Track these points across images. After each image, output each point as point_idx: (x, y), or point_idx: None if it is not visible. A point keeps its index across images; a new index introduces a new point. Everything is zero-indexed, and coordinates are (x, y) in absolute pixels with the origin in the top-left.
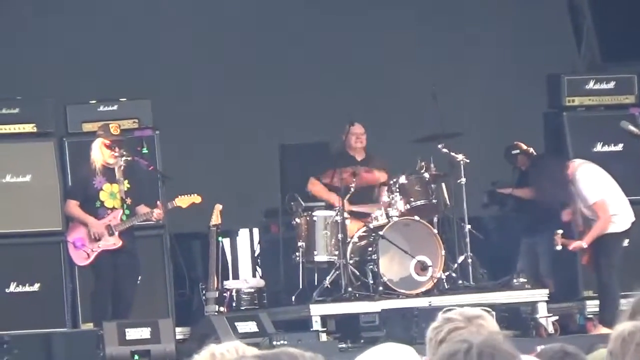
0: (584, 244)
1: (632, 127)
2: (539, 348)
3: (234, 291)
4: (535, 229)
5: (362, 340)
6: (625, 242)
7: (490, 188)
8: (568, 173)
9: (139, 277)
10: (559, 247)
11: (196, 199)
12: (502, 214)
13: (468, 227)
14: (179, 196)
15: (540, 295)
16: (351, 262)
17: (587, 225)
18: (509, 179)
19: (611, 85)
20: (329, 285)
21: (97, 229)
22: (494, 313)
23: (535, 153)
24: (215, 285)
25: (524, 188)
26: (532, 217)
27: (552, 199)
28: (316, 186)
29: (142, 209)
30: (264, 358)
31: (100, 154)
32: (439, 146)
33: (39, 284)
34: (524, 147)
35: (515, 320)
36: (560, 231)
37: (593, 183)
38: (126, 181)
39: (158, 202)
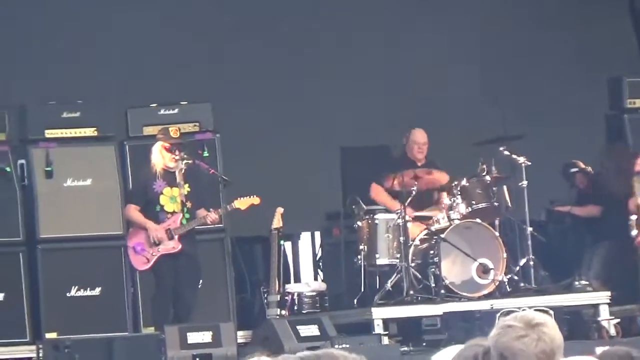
0: None
1: None
2: (598, 350)
3: (295, 294)
4: (597, 239)
5: (424, 344)
6: None
7: (549, 206)
8: (638, 164)
9: (200, 281)
10: (634, 232)
11: (255, 200)
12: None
13: (530, 229)
14: (238, 198)
15: (602, 297)
16: (413, 265)
17: None
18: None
19: None
20: (390, 289)
21: (157, 233)
22: (552, 312)
23: (593, 171)
24: (277, 289)
25: (582, 206)
26: (590, 235)
27: (617, 188)
28: (379, 194)
29: (202, 212)
30: (305, 358)
31: (160, 157)
32: (501, 149)
33: (100, 288)
34: (582, 165)
35: (577, 322)
36: (634, 217)
37: None
38: (187, 185)
39: (211, 209)
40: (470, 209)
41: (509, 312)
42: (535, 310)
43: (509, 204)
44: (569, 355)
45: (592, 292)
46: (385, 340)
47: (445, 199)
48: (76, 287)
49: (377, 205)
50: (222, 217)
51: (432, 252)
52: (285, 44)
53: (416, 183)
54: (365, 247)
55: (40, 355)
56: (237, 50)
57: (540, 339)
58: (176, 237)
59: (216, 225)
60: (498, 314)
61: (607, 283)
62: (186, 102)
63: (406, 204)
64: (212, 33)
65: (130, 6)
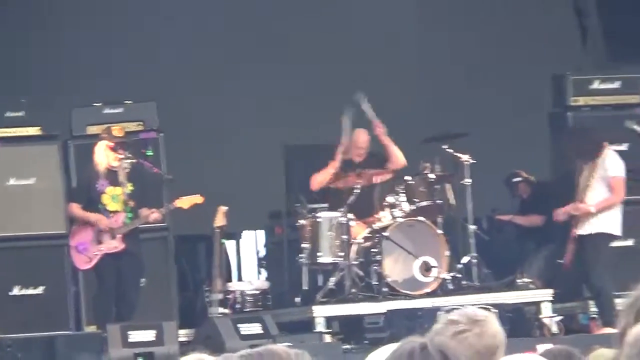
0: (592, 208)
1: (637, 127)
2: (540, 348)
3: (238, 293)
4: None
5: (366, 342)
6: (630, 242)
7: (490, 214)
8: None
9: (143, 280)
10: (561, 217)
11: (198, 199)
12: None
13: (472, 227)
14: (181, 197)
15: (544, 295)
16: (355, 263)
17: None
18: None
19: (616, 85)
20: (333, 287)
21: (104, 224)
22: (496, 311)
23: (535, 181)
24: (219, 287)
25: (524, 215)
26: (533, 243)
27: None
28: (317, 177)
29: (145, 211)
30: (248, 357)
31: (104, 156)
32: (444, 147)
33: (42, 287)
34: (525, 174)
35: (520, 320)
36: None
37: (620, 163)
38: (130, 184)
39: (151, 209)
40: (413, 207)
41: (450, 311)
42: (478, 308)
43: (452, 202)
44: (511, 353)
45: (534, 290)
46: (328, 339)
47: (388, 197)
48: (19, 286)
49: (321, 199)
50: (165, 216)
51: (374, 250)
52: (228, 44)
53: (359, 182)
54: (308, 245)
55: None
56: (181, 50)
57: (482, 335)
58: (119, 236)
59: (159, 224)
60: (439, 313)
61: (549, 281)
62: (130, 101)
63: (348, 203)
64: (156, 32)
65: (75, 4)
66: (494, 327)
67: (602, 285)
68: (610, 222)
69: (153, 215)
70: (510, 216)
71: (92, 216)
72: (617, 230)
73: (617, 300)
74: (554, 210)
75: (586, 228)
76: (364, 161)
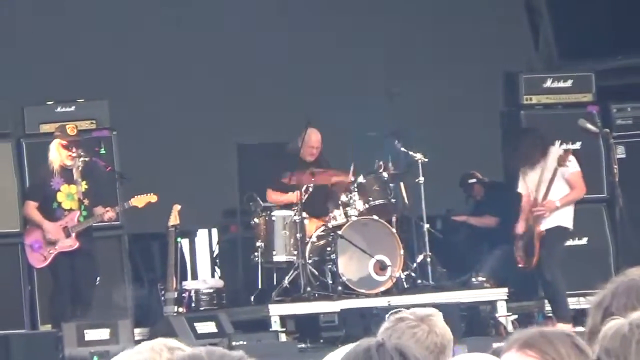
0: (557, 202)
1: (589, 125)
2: (494, 345)
3: (192, 291)
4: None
5: (321, 340)
6: (583, 241)
7: (444, 214)
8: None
9: (98, 278)
10: (522, 229)
11: (152, 197)
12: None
13: (426, 226)
14: (135, 196)
15: (499, 294)
16: (310, 262)
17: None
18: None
19: (569, 83)
20: (287, 285)
21: (53, 234)
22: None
23: (489, 181)
24: (174, 286)
25: (478, 217)
26: (486, 244)
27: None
28: (274, 196)
29: (100, 209)
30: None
31: (57, 155)
32: (397, 144)
33: None
34: (480, 176)
35: (475, 319)
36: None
37: (575, 160)
38: (84, 182)
39: (106, 208)
40: (367, 206)
41: (397, 311)
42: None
43: (406, 200)
44: (467, 351)
45: (489, 289)
46: (283, 337)
47: (342, 196)
48: None
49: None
50: (120, 214)
51: (329, 248)
52: (181, 42)
53: (313, 179)
54: (262, 244)
55: None
56: (134, 48)
57: (431, 331)
58: (73, 234)
59: (113, 223)
60: (387, 315)
61: (504, 280)
62: (83, 100)
63: (302, 201)
64: (109, 31)
65: (25, 2)
66: (442, 324)
67: (553, 280)
68: (564, 216)
69: (108, 213)
70: (464, 217)
71: (44, 224)
72: (570, 223)
73: (571, 299)
74: (513, 226)
75: (546, 223)
76: (316, 160)
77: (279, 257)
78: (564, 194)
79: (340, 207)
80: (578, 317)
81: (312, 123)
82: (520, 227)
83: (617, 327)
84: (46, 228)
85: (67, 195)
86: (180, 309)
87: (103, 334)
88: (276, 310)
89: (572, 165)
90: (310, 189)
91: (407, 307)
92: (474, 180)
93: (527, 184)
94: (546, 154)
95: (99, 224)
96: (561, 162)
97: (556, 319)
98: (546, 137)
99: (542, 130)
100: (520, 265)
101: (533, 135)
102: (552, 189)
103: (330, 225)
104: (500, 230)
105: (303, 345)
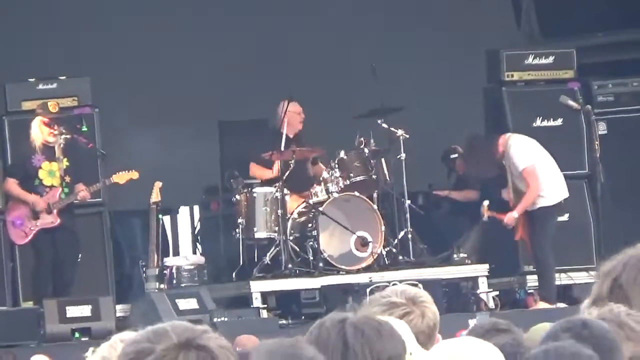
0: (515, 213)
1: (571, 102)
2: (471, 322)
3: (174, 268)
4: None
5: (302, 317)
6: (565, 217)
7: (426, 190)
8: (500, 145)
9: (79, 255)
10: (485, 219)
11: (133, 174)
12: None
13: (408, 202)
14: (117, 173)
15: (480, 270)
16: (291, 238)
17: (519, 201)
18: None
19: (550, 60)
20: (269, 262)
21: (40, 205)
22: (420, 286)
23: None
24: (156, 263)
25: (460, 191)
26: (468, 218)
27: (484, 174)
28: (256, 170)
29: (81, 187)
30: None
31: (39, 132)
32: (379, 121)
33: None
34: (462, 151)
35: (456, 295)
36: (486, 202)
37: (523, 150)
38: (65, 159)
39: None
40: (348, 182)
41: (377, 289)
42: (407, 284)
43: (387, 177)
44: (448, 328)
45: (470, 265)
46: (264, 314)
47: (324, 172)
48: None
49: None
50: (101, 191)
51: (310, 225)
52: (163, 18)
53: (293, 156)
54: (244, 220)
55: None
56: (116, 25)
57: (425, 315)
58: (55, 211)
59: (95, 200)
60: (368, 290)
61: (485, 256)
62: (64, 77)
63: (284, 177)
64: (92, 8)
65: None
66: (432, 305)
67: (544, 259)
68: (548, 195)
69: (81, 193)
70: (446, 191)
71: (29, 197)
72: (559, 196)
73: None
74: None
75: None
76: (297, 136)
77: (260, 233)
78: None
79: (322, 184)
80: (559, 292)
81: (292, 98)
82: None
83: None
84: (34, 200)
85: (49, 173)
86: (162, 286)
87: (84, 310)
88: (257, 287)
89: (521, 161)
90: (292, 165)
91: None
92: (455, 155)
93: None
94: (500, 157)
95: (81, 200)
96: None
97: (540, 297)
98: (491, 141)
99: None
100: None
101: (478, 145)
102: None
103: (311, 201)
104: (481, 206)
105: (284, 322)
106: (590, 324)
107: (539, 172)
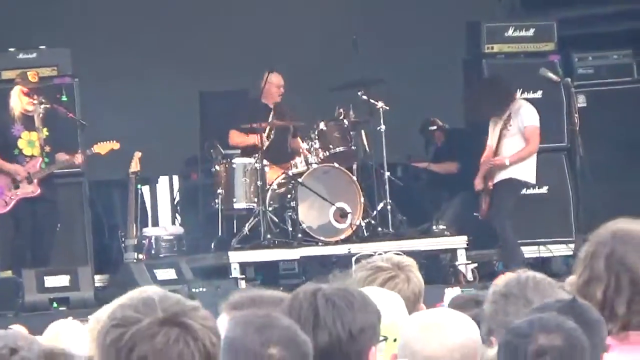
0: (506, 161)
1: (551, 75)
2: (446, 291)
3: (152, 238)
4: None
5: (281, 288)
6: (544, 190)
7: (405, 162)
8: (513, 96)
9: (58, 225)
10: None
11: (114, 145)
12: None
13: (387, 174)
14: (98, 143)
15: (459, 242)
16: (270, 209)
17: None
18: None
19: (530, 32)
20: (247, 233)
21: (21, 175)
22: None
23: (449, 128)
24: (134, 233)
25: (439, 163)
26: (447, 190)
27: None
28: (236, 137)
29: (61, 156)
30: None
31: (18, 101)
32: (359, 93)
33: None
34: (440, 123)
35: (435, 267)
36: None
37: (534, 111)
38: (45, 129)
39: (61, 154)
40: (328, 153)
41: (363, 257)
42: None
43: (367, 148)
44: (426, 299)
45: (449, 237)
46: (242, 284)
47: (303, 143)
48: None
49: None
50: (82, 161)
51: (289, 196)
52: None
53: (273, 128)
54: (223, 191)
55: None
56: None
57: (410, 280)
58: (35, 181)
59: (74, 170)
60: (354, 258)
61: (464, 228)
62: (45, 47)
63: (263, 148)
64: None
65: None
66: (417, 272)
67: (502, 232)
68: (522, 169)
69: (63, 156)
70: (425, 163)
71: (10, 166)
72: (530, 177)
73: (531, 248)
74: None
75: (499, 175)
76: (278, 107)
77: (239, 204)
78: (518, 148)
79: (301, 155)
80: (537, 265)
81: (274, 69)
82: (478, 184)
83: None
84: (14, 169)
85: (28, 142)
86: (140, 256)
87: (63, 280)
88: (236, 257)
89: (529, 119)
90: (272, 136)
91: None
92: (434, 127)
93: (492, 135)
94: (512, 104)
95: (60, 171)
96: (504, 126)
97: (505, 270)
98: (512, 87)
99: (506, 80)
100: (475, 214)
101: (499, 84)
102: (507, 142)
103: (290, 172)
104: (460, 177)
105: None
106: (578, 303)
107: (538, 136)
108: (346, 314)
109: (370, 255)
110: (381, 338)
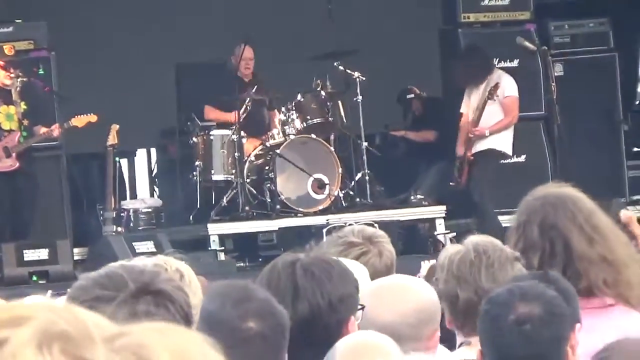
0: (486, 132)
1: (527, 43)
2: (422, 263)
3: (131, 211)
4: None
5: (260, 259)
6: (521, 158)
7: (383, 130)
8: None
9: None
10: (462, 151)
11: (92, 118)
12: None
13: (365, 144)
14: (76, 116)
15: (437, 212)
16: (248, 181)
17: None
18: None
19: (506, 1)
20: (226, 204)
21: (1, 149)
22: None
23: (427, 97)
24: (113, 206)
25: (417, 131)
26: (424, 160)
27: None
28: (211, 113)
29: (39, 129)
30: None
31: None
32: (335, 64)
33: None
34: (418, 91)
35: (413, 237)
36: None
37: (514, 83)
38: (23, 102)
39: (39, 126)
40: (305, 125)
41: (334, 229)
42: (364, 225)
43: (344, 119)
44: (404, 269)
45: (427, 207)
46: (222, 256)
47: (280, 115)
48: None
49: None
50: (61, 133)
51: (267, 167)
52: None
53: (249, 100)
54: (201, 163)
55: None
56: None
57: (382, 254)
58: (14, 154)
59: (52, 143)
60: (324, 230)
61: (443, 197)
62: (21, 20)
63: (240, 120)
64: None
65: None
66: (389, 245)
67: (481, 202)
68: (501, 140)
69: (42, 129)
70: (403, 132)
71: None
72: (507, 148)
73: (508, 217)
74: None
75: (477, 146)
76: (254, 78)
77: (218, 176)
78: (498, 118)
79: (279, 126)
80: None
81: (249, 41)
82: (460, 149)
83: (462, 254)
84: None
85: (7, 116)
86: (119, 229)
87: (42, 254)
88: (215, 229)
89: (509, 89)
90: (249, 108)
91: (345, 224)
92: (412, 95)
93: (470, 105)
94: (491, 74)
95: (38, 144)
96: (490, 95)
97: None
98: (490, 57)
99: (485, 50)
100: (451, 184)
101: (479, 54)
102: (485, 112)
103: (268, 144)
104: (438, 146)
105: (242, 264)
106: (550, 274)
107: (517, 107)
108: (325, 284)
109: (341, 227)
110: (359, 307)
